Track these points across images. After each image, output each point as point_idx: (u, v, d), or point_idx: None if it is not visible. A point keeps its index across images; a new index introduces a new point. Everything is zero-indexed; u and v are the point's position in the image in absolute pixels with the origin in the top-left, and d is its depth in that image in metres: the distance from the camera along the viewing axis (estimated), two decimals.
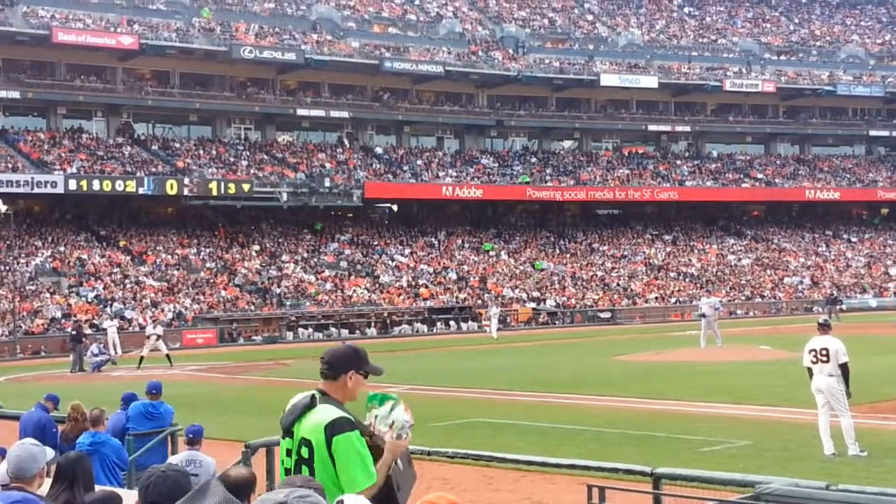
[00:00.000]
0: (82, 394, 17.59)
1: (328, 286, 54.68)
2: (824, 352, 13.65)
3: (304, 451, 4.45)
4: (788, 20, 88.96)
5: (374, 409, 4.71)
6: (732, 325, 45.07)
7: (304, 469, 4.41)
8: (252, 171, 59.06)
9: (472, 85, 69.88)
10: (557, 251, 66.04)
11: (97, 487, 5.69)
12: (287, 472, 4.54)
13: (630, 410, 19.27)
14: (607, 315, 56.72)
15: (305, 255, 58.52)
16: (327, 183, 59.18)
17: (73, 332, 36.42)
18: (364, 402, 4.75)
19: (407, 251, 61.55)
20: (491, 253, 63.64)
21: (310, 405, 4.54)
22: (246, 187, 56.12)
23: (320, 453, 4.40)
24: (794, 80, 77.61)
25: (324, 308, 51.82)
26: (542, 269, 61.86)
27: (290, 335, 48.62)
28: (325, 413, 4.48)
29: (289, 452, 4.54)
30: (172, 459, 9.69)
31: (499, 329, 46.76)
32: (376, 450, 4.59)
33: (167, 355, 34.47)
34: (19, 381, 31.12)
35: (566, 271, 62.39)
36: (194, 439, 9.63)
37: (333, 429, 4.39)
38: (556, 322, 55.18)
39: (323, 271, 56.56)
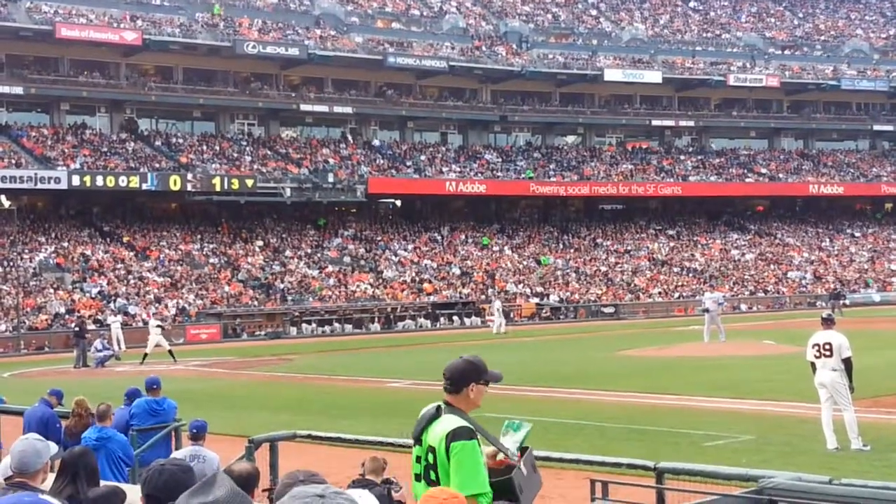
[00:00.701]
0: (86, 389, 17.62)
1: (331, 281, 54.72)
2: (827, 346, 13.65)
3: (431, 458, 4.78)
4: (793, 14, 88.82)
5: (509, 434, 5.06)
6: (736, 320, 45.04)
7: (432, 473, 4.74)
8: (255, 167, 59.08)
9: (476, 80, 69.84)
10: (561, 246, 66.03)
11: (102, 482, 5.70)
12: (416, 476, 4.89)
13: (633, 405, 19.27)
14: (611, 310, 56.70)
15: (309, 250, 58.56)
16: (331, 178, 59.23)
17: (77, 328, 36.45)
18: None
19: (410, 246, 61.56)
20: (494, 248, 63.65)
21: (435, 415, 4.85)
22: (249, 183, 56.15)
23: (441, 459, 4.72)
24: (798, 74, 77.49)
25: (327, 303, 51.84)
26: (548, 265, 61.81)
27: (293, 330, 48.65)
28: (448, 422, 4.78)
29: (418, 459, 4.88)
30: (176, 454, 9.70)
31: (507, 324, 46.80)
32: (507, 469, 4.92)
33: (170, 351, 34.52)
34: (23, 376, 31.19)
35: (571, 266, 62.40)
36: (198, 434, 9.65)
37: (454, 437, 4.70)
38: (560, 317, 55.16)
39: (326, 266, 56.60)
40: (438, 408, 4.88)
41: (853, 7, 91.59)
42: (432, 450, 4.76)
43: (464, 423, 4.75)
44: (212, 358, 36.19)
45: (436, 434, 4.76)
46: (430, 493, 4.06)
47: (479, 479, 4.64)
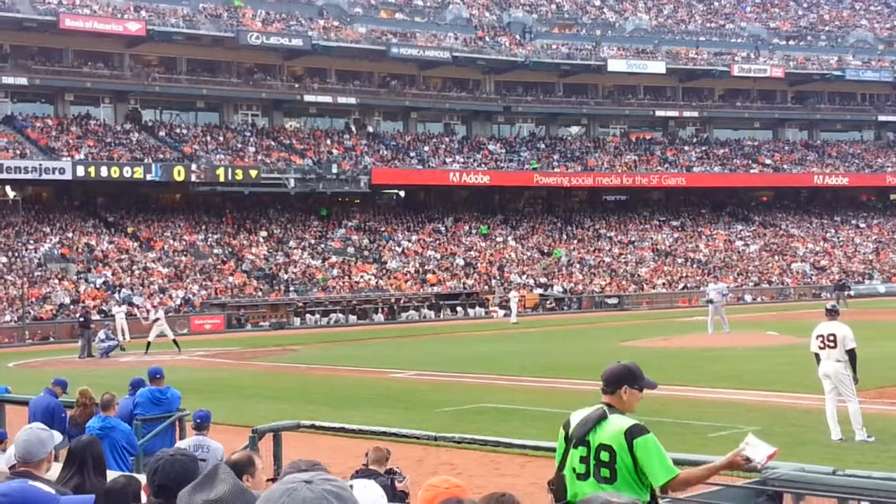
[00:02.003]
0: (91, 379, 17.67)
1: (335, 272, 54.74)
2: (831, 337, 13.63)
3: (605, 456, 5.09)
4: (797, 5, 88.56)
5: (748, 447, 5.29)
6: (740, 311, 45.00)
7: (604, 471, 5.07)
8: (259, 158, 59.09)
9: (479, 71, 69.75)
10: (564, 237, 66.01)
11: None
12: (580, 476, 5.14)
13: None
14: (614, 301, 56.67)
15: (313, 241, 58.59)
16: (334, 169, 59.23)
17: (82, 318, 36.52)
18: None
19: (414, 237, 61.57)
20: (498, 239, 63.64)
21: (602, 416, 5.15)
22: (253, 173, 56.18)
23: (622, 455, 5.05)
24: (802, 65, 77.32)
25: (331, 294, 51.88)
26: (559, 257, 61.74)
27: (297, 321, 48.71)
28: (621, 421, 5.14)
29: (582, 459, 5.14)
30: (180, 444, 9.71)
31: (506, 314, 46.95)
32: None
33: (174, 341, 34.56)
34: (28, 366, 31.25)
35: (575, 257, 62.43)
36: (202, 424, 9.66)
37: (633, 434, 5.05)
38: (564, 308, 55.16)
39: (330, 257, 56.63)
40: (603, 410, 5.17)
41: None
42: (607, 448, 5.05)
43: (634, 420, 5.12)
44: (216, 348, 36.26)
45: (609, 434, 5.08)
46: (433, 483, 4.07)
47: (667, 466, 5.05)
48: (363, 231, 61.31)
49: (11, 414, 13.57)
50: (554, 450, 9.77)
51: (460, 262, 59.07)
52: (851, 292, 53.89)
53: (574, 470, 5.19)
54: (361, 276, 54.74)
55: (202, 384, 22.53)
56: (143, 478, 4.31)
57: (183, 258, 52.85)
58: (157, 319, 35.88)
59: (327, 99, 64.62)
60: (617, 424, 5.10)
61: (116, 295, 46.93)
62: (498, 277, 57.32)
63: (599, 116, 74.79)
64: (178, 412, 11.60)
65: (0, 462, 6.44)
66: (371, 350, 33.67)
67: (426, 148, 66.59)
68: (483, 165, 65.77)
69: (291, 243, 57.61)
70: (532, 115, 73.11)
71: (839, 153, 77.78)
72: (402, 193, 67.24)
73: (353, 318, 49.72)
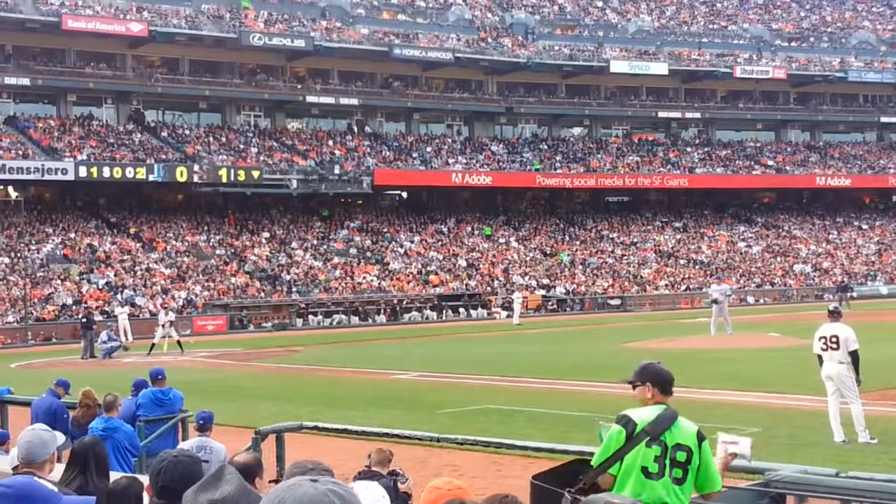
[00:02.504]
0: (93, 380, 17.66)
1: (338, 273, 54.75)
2: (834, 339, 13.60)
3: (681, 456, 5.12)
4: (799, 6, 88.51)
5: (730, 445, 5.60)
6: (742, 313, 44.99)
7: (677, 471, 5.07)
8: (262, 159, 59.11)
9: (482, 72, 69.73)
10: (567, 238, 66.00)
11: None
12: (651, 475, 5.13)
13: None
14: (617, 302, 56.67)
15: (315, 242, 58.60)
16: (337, 170, 59.23)
17: (84, 319, 36.54)
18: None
19: (416, 238, 61.57)
20: (500, 240, 63.65)
21: (674, 416, 5.19)
22: (255, 174, 56.19)
23: (695, 457, 5.16)
24: (804, 66, 77.25)
25: (333, 295, 51.88)
26: (562, 259, 61.72)
27: (299, 322, 48.73)
28: (690, 423, 5.26)
29: (656, 458, 5.13)
30: (183, 445, 9.71)
31: (508, 315, 46.97)
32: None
33: (178, 342, 34.61)
34: (31, 367, 31.27)
35: (578, 258, 62.43)
36: (205, 425, 9.66)
37: (701, 437, 5.21)
38: (566, 309, 55.15)
39: (332, 258, 56.64)
40: (672, 410, 5.23)
41: None
42: (685, 448, 5.09)
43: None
44: (218, 349, 36.27)
45: (685, 434, 5.16)
46: (435, 485, 4.07)
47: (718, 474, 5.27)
48: (365, 232, 61.31)
49: (14, 415, 13.57)
50: (556, 451, 9.74)
51: (462, 263, 59.07)
52: (854, 294, 53.83)
53: (646, 469, 5.15)
54: (364, 277, 54.74)
55: (205, 385, 22.54)
56: (145, 479, 4.31)
57: (185, 259, 52.87)
58: (169, 321, 35.95)
59: (330, 100, 64.64)
60: (689, 426, 5.19)
61: (119, 296, 46.96)
62: (501, 279, 57.30)
63: (602, 118, 74.78)
64: (181, 413, 11.60)
65: (3, 463, 6.44)
66: (373, 351, 33.67)
67: (428, 149, 66.59)
68: (485, 166, 65.77)
69: (294, 244, 57.62)
70: (534, 116, 73.11)
71: (841, 154, 77.73)
72: (404, 194, 67.24)
73: (355, 319, 49.77)
